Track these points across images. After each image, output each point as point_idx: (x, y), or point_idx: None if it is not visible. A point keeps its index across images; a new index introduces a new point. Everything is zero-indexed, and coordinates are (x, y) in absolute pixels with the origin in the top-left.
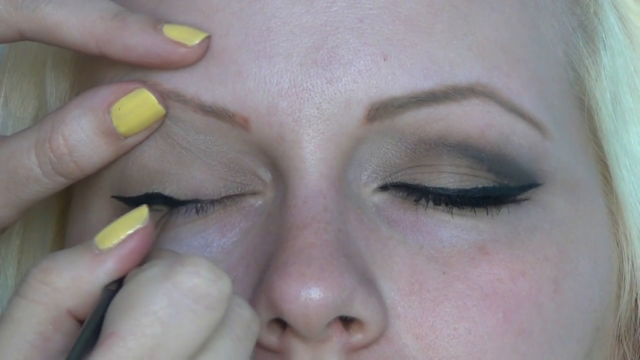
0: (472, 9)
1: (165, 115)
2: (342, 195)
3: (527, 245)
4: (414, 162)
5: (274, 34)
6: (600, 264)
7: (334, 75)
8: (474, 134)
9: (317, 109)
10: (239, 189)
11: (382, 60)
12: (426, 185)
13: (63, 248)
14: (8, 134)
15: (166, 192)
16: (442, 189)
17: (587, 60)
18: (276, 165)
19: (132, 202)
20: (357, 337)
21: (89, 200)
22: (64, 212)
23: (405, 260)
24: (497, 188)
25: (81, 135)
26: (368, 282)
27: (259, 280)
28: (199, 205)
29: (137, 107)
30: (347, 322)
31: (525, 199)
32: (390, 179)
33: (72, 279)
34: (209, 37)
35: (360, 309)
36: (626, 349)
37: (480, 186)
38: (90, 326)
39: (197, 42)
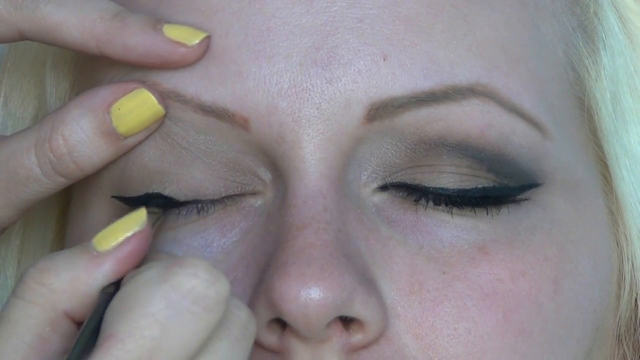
0: (472, 9)
1: (165, 115)
2: (342, 195)
3: (527, 245)
4: (413, 162)
5: (273, 34)
6: (600, 264)
7: (334, 75)
8: (474, 134)
9: (317, 109)
10: (239, 189)
11: (382, 60)
12: (426, 185)
13: (63, 248)
14: (8, 134)
15: (166, 192)
16: (442, 189)
17: (587, 60)
18: (276, 165)
19: (132, 202)
20: (357, 337)
21: (88, 200)
22: (64, 212)
23: (405, 260)
24: (497, 188)
25: (81, 135)
26: (368, 282)
27: (259, 280)
28: (199, 205)
29: (136, 107)
30: (347, 322)
31: (525, 199)
32: (390, 179)
33: (69, 281)
34: (208, 37)
35: (360, 309)
36: (626, 349)
37: (480, 186)
38: (89, 328)
39: (196, 42)
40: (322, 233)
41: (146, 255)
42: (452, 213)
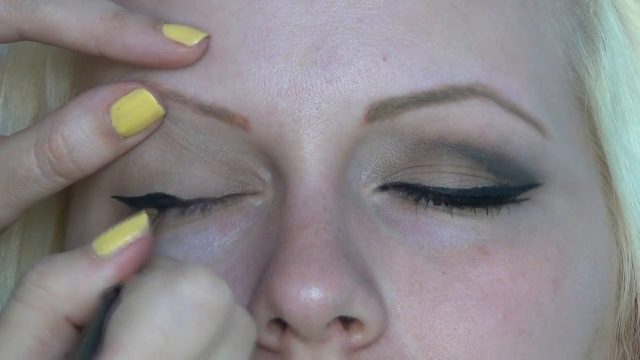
0: (471, 9)
1: (165, 116)
2: (342, 195)
3: (527, 245)
4: (413, 162)
5: (273, 34)
6: (600, 264)
7: (334, 75)
8: (474, 134)
9: (317, 109)
10: (240, 188)
11: (382, 60)
12: (426, 185)
13: (63, 248)
14: (8, 134)
15: (169, 192)
16: (442, 188)
17: (586, 60)
18: (276, 165)
19: (134, 202)
20: (357, 337)
21: (88, 200)
22: (64, 212)
23: (405, 261)
24: (497, 188)
25: (80, 136)
26: (368, 282)
27: (259, 280)
28: (202, 204)
29: (136, 107)
30: (347, 322)
31: (525, 199)
32: (390, 179)
33: (68, 284)
34: (208, 37)
35: (360, 309)
36: (626, 349)
37: (480, 186)
38: (90, 335)
39: (196, 42)
40: (322, 233)
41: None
42: (452, 213)
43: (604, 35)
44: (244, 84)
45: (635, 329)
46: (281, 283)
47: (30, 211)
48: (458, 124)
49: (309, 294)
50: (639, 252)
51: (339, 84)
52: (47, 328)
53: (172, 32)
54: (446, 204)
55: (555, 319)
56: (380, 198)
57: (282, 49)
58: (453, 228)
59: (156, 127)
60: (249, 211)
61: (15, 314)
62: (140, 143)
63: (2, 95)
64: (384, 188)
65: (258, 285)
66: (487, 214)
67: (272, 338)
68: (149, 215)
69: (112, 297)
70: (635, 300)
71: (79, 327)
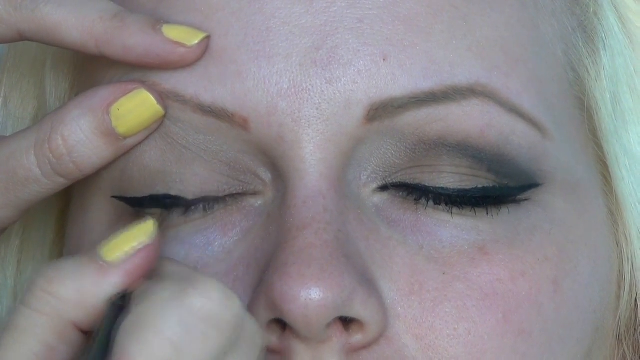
0: (471, 9)
1: (165, 116)
2: (342, 195)
3: (527, 245)
4: (413, 162)
5: (273, 34)
6: (600, 264)
7: (334, 76)
8: (474, 134)
9: (317, 109)
10: (241, 188)
11: (382, 61)
12: (426, 185)
13: (63, 248)
14: (8, 134)
15: (173, 192)
16: (442, 188)
17: (586, 60)
18: (276, 165)
19: (135, 203)
20: (357, 338)
21: (88, 200)
22: (64, 212)
23: (405, 261)
24: (497, 188)
25: (80, 136)
26: (368, 282)
27: (259, 280)
28: (204, 203)
29: (136, 107)
30: (347, 322)
31: (525, 199)
32: (390, 179)
33: (76, 291)
34: (208, 37)
35: (360, 309)
36: (626, 349)
37: (480, 186)
38: (99, 344)
39: (196, 42)
40: (322, 233)
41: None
42: (452, 213)
43: (604, 35)
44: (244, 84)
45: (635, 329)
46: (281, 283)
47: (30, 211)
48: (458, 124)
49: (309, 295)
50: (639, 252)
51: (339, 84)
52: (54, 333)
53: (172, 32)
54: (446, 204)
55: (555, 319)
56: (380, 198)
57: (282, 49)
58: (453, 228)
59: (156, 127)
60: (249, 211)
61: (23, 319)
62: (140, 143)
63: (2, 95)
64: (384, 188)
65: (258, 285)
66: (487, 214)
67: (272, 338)
68: (153, 216)
69: (120, 303)
70: (635, 300)
71: (85, 333)
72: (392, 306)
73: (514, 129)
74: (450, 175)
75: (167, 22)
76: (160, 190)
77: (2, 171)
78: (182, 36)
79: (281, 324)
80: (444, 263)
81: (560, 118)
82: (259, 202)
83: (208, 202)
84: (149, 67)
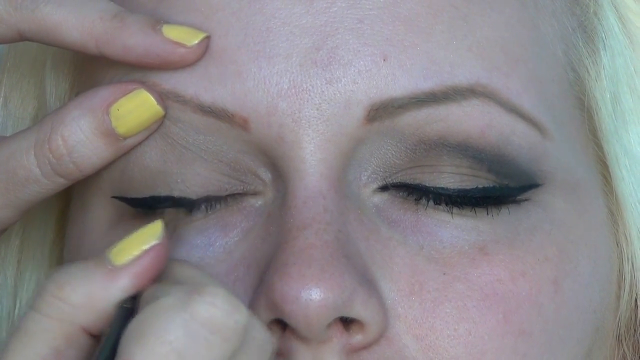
0: (471, 10)
1: (165, 116)
2: (342, 195)
3: (527, 245)
4: (414, 162)
5: (273, 34)
6: (600, 264)
7: (334, 76)
8: (474, 134)
9: (317, 109)
10: (242, 188)
11: (382, 61)
12: (426, 185)
13: (63, 248)
14: (8, 134)
15: (176, 194)
16: (443, 189)
17: (587, 61)
18: (276, 165)
19: (136, 203)
20: (358, 338)
21: (88, 200)
22: (64, 212)
23: (405, 261)
24: (497, 188)
25: (80, 136)
26: (368, 282)
27: (259, 281)
28: (206, 203)
29: (136, 107)
30: (347, 322)
31: (525, 200)
32: (390, 180)
33: (86, 295)
34: (208, 38)
35: (360, 309)
36: (626, 349)
37: (480, 186)
38: (106, 347)
39: (196, 42)
40: (323, 234)
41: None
42: (452, 213)
43: (604, 36)
44: (244, 84)
45: (635, 330)
46: (282, 284)
47: (30, 211)
48: (458, 125)
49: (310, 295)
50: (639, 252)
51: (339, 85)
52: (63, 338)
53: (172, 32)
54: (446, 204)
55: (556, 320)
56: (380, 198)
57: (282, 49)
58: (453, 228)
59: (156, 128)
60: (250, 211)
61: (33, 324)
62: (140, 144)
63: (2, 95)
64: (384, 188)
65: (259, 285)
66: (488, 214)
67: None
68: (156, 216)
69: (130, 306)
70: (636, 300)
71: (95, 337)
72: (392, 306)
73: (514, 129)
74: (450, 176)
75: (167, 22)
76: (161, 191)
77: (2, 171)
78: (182, 36)
79: (281, 325)
80: (444, 263)
81: (560, 118)
82: (260, 203)
83: (210, 202)
84: (148, 67)
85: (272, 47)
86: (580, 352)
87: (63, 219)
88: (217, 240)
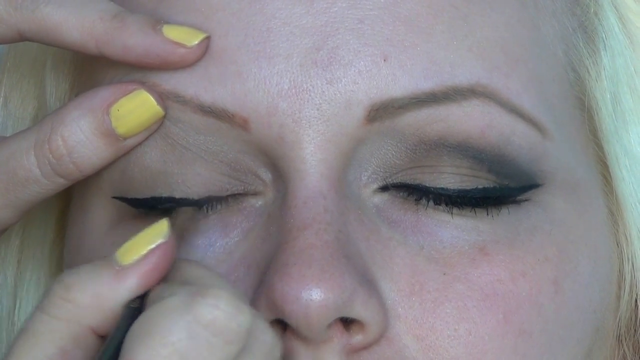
0: (472, 10)
1: (165, 116)
2: (343, 196)
3: (528, 245)
4: (414, 162)
5: (274, 34)
6: (601, 265)
7: (334, 76)
8: (474, 134)
9: (317, 109)
10: (242, 188)
11: (383, 61)
12: (427, 185)
13: (63, 248)
14: (8, 134)
15: (177, 195)
16: (443, 189)
17: (587, 61)
18: (276, 165)
19: (137, 203)
20: (358, 338)
21: (88, 200)
22: (64, 212)
23: (405, 261)
24: (498, 189)
25: (80, 137)
26: (368, 283)
27: (260, 281)
28: (208, 203)
29: (136, 108)
30: (347, 323)
31: (526, 200)
32: (390, 180)
33: (93, 296)
34: (208, 38)
35: (360, 309)
36: (626, 349)
37: (480, 187)
38: (112, 345)
39: (196, 42)
40: (323, 234)
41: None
42: (452, 213)
43: (604, 36)
44: (244, 84)
45: (635, 330)
46: (282, 284)
47: (30, 211)
48: (458, 125)
49: (310, 295)
50: (639, 252)
51: (340, 85)
52: (70, 338)
53: (172, 32)
54: (447, 205)
55: (556, 320)
56: (380, 199)
57: (282, 49)
58: (453, 228)
59: (156, 128)
60: (250, 212)
61: (40, 324)
62: (140, 144)
63: (2, 95)
64: (384, 189)
65: (259, 286)
66: (488, 214)
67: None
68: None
69: (137, 306)
70: (636, 300)
71: (103, 337)
72: (392, 307)
73: (514, 130)
74: (450, 176)
75: (167, 23)
76: (162, 191)
77: (2, 172)
78: (182, 36)
79: (282, 325)
80: (444, 263)
81: (560, 118)
82: (260, 203)
83: (210, 203)
84: (149, 67)
85: (272, 47)
86: (580, 352)
87: (63, 219)
88: (217, 241)
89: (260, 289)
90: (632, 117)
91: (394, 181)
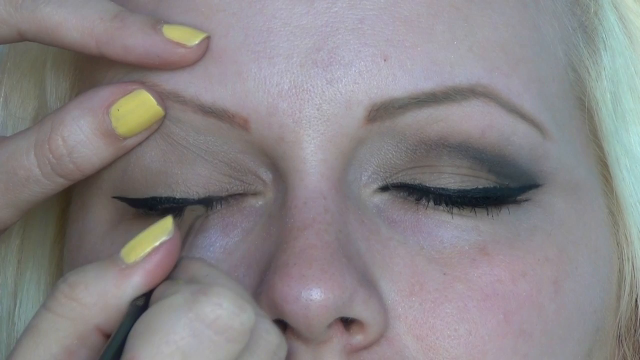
0: (472, 10)
1: (165, 116)
2: (343, 196)
3: (528, 246)
4: (414, 162)
5: (274, 34)
6: (601, 265)
7: (334, 76)
8: (475, 134)
9: (318, 109)
10: (242, 188)
11: (383, 61)
12: (427, 185)
13: (63, 248)
14: (8, 134)
15: (177, 195)
16: (443, 189)
17: (587, 61)
18: (276, 165)
19: (137, 203)
20: (358, 338)
21: (88, 200)
22: (64, 211)
23: (405, 261)
24: (498, 189)
25: (80, 136)
26: (368, 283)
27: (260, 281)
28: (208, 204)
29: (136, 107)
30: (347, 323)
31: (526, 200)
32: (390, 180)
33: (99, 295)
34: (208, 38)
35: (360, 309)
36: (626, 349)
37: (480, 187)
38: (115, 342)
39: (196, 42)
40: (323, 234)
41: (179, 261)
42: (452, 213)
43: (604, 36)
44: (245, 84)
45: (635, 330)
46: (282, 284)
47: (30, 211)
48: (459, 125)
49: (310, 295)
50: (639, 253)
51: (340, 85)
52: (76, 337)
53: (172, 32)
54: (447, 205)
55: (556, 320)
56: (381, 199)
57: (282, 49)
58: (454, 229)
59: (156, 128)
60: (250, 212)
61: (46, 323)
62: (140, 144)
63: (2, 95)
64: (384, 189)
65: (259, 286)
66: (488, 214)
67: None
68: (193, 211)
69: (142, 304)
70: (636, 300)
71: (108, 336)
72: (392, 307)
73: (514, 130)
74: (450, 176)
75: (168, 23)
76: (162, 191)
77: (2, 171)
78: (182, 36)
79: (282, 325)
80: (444, 263)
81: (560, 118)
82: (260, 203)
83: (211, 203)
84: (149, 67)
85: (272, 47)
86: (580, 353)
87: (63, 219)
88: (217, 241)
89: (261, 288)
90: (632, 117)
91: (394, 181)
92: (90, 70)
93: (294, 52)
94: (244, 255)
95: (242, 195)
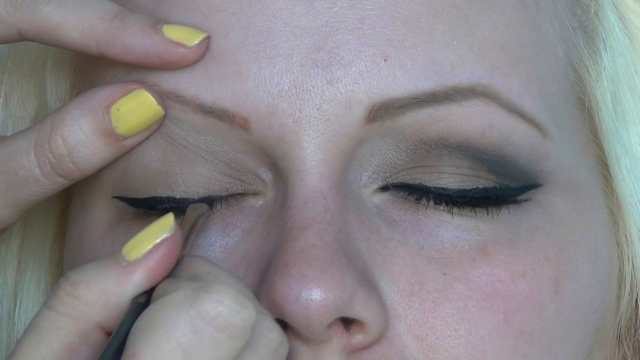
0: (472, 10)
1: (165, 116)
2: (343, 196)
3: (528, 246)
4: (414, 162)
5: (274, 34)
6: (601, 265)
7: (335, 76)
8: (475, 134)
9: (318, 109)
10: (242, 188)
11: (383, 61)
12: (427, 185)
13: (63, 248)
14: (8, 134)
15: (178, 195)
16: (443, 189)
17: (587, 61)
18: (276, 165)
19: (137, 203)
20: (358, 338)
21: (89, 200)
22: (64, 211)
23: (405, 261)
24: (498, 189)
25: (80, 136)
26: (368, 283)
27: (260, 281)
28: (209, 204)
29: (136, 107)
30: (347, 323)
31: (526, 200)
32: (390, 180)
33: (101, 292)
34: (208, 38)
35: (360, 309)
36: (626, 349)
37: (480, 187)
38: (117, 339)
39: (196, 42)
40: (323, 234)
41: (181, 259)
42: (452, 213)
43: (604, 36)
44: (245, 84)
45: (635, 330)
46: (282, 284)
47: (30, 211)
48: (459, 125)
49: (310, 295)
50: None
51: (340, 85)
52: (77, 335)
53: (172, 32)
54: (447, 204)
55: (556, 320)
56: (381, 199)
57: (282, 49)
58: (454, 228)
59: (156, 128)
60: (250, 211)
61: (47, 321)
62: (141, 144)
63: (2, 95)
64: (384, 189)
65: (259, 285)
66: (488, 214)
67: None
68: (196, 209)
69: (143, 301)
70: (636, 300)
71: (110, 334)
72: (392, 307)
73: (515, 130)
74: (450, 176)
75: (168, 23)
76: (162, 191)
77: (2, 171)
78: (182, 36)
79: (282, 325)
80: (444, 263)
81: (561, 118)
82: (260, 203)
83: (211, 203)
84: (149, 67)
85: (272, 47)
86: (580, 353)
87: (63, 219)
88: (217, 240)
89: (261, 288)
90: (633, 117)
91: (394, 181)
92: (90, 70)
93: (294, 52)
94: (244, 255)
95: (242, 195)
